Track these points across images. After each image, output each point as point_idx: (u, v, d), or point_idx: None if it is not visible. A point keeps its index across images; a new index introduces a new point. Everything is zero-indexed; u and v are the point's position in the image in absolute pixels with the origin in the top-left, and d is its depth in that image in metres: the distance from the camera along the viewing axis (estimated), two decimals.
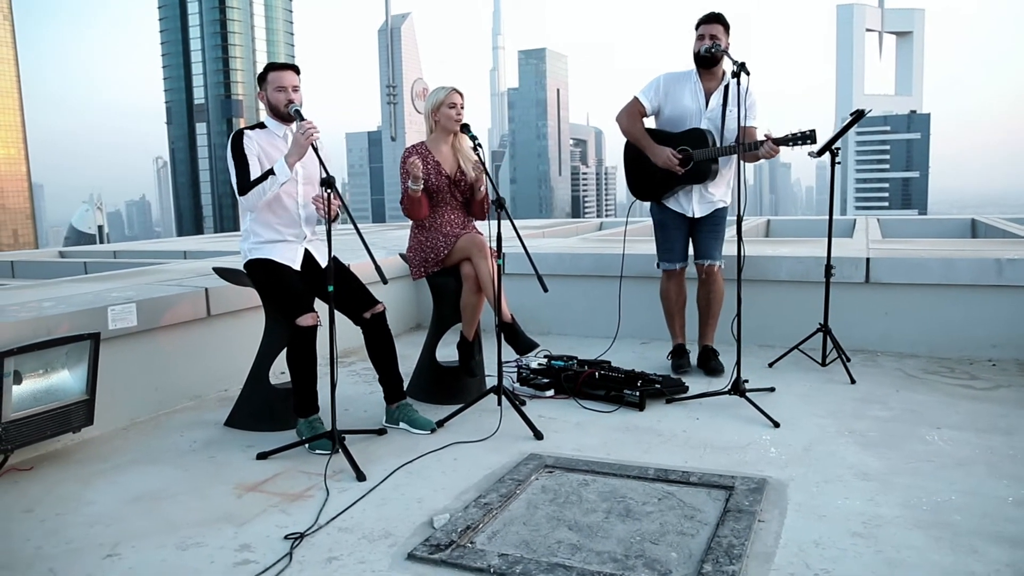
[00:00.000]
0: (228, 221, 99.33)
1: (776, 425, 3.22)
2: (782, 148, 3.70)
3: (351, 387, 4.06)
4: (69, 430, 3.11)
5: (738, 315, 3.46)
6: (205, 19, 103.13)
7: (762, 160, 3.77)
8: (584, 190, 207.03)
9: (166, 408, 3.71)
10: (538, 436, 3.15)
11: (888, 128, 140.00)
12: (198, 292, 3.84)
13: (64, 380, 3.08)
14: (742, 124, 3.41)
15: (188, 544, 2.31)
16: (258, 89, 3.19)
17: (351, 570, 2.11)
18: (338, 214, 3.15)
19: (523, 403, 3.61)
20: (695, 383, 3.87)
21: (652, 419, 3.39)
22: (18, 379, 2.89)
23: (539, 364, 4.01)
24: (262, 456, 3.02)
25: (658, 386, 3.62)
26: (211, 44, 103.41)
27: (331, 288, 2.91)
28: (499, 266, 3.31)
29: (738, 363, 3.44)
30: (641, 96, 3.97)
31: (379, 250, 5.65)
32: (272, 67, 3.13)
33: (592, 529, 2.30)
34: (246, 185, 3.05)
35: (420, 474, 2.82)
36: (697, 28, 3.84)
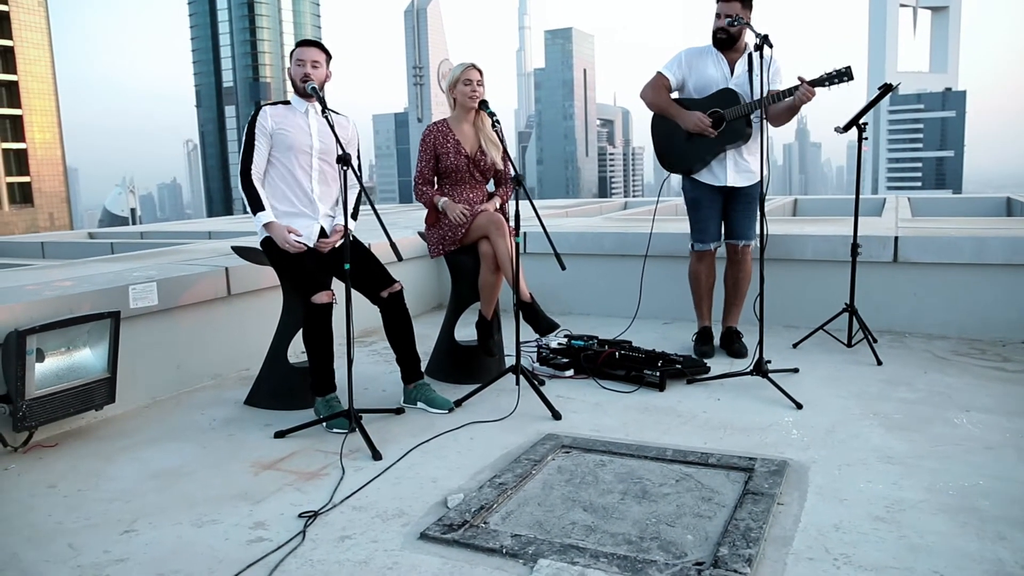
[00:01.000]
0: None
1: (799, 407, 3.16)
2: (818, 92, 3.54)
3: (370, 366, 4.06)
4: (92, 407, 3.14)
5: (761, 294, 3.39)
6: (233, 2, 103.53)
7: (799, 111, 3.63)
8: (611, 171, 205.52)
9: (187, 387, 3.74)
10: (556, 416, 3.13)
11: (922, 106, 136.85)
12: (218, 271, 3.85)
13: (86, 358, 3.11)
14: (765, 95, 3.30)
15: (204, 521, 2.32)
16: (288, 64, 3.21)
17: (363, 549, 2.11)
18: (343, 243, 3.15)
19: (542, 383, 3.59)
20: (717, 364, 3.81)
21: (672, 400, 3.35)
22: (40, 357, 2.93)
23: (559, 344, 3.97)
24: (279, 435, 3.03)
25: (679, 366, 3.57)
26: (239, 28, 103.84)
27: (347, 266, 2.89)
28: (517, 244, 3.27)
29: (760, 343, 3.38)
30: (665, 70, 3.89)
31: (402, 229, 5.67)
32: (299, 43, 3.16)
33: (607, 510, 2.27)
34: (247, 173, 3.14)
35: (436, 453, 2.81)
36: (718, 1, 3.74)
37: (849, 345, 4.08)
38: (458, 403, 3.32)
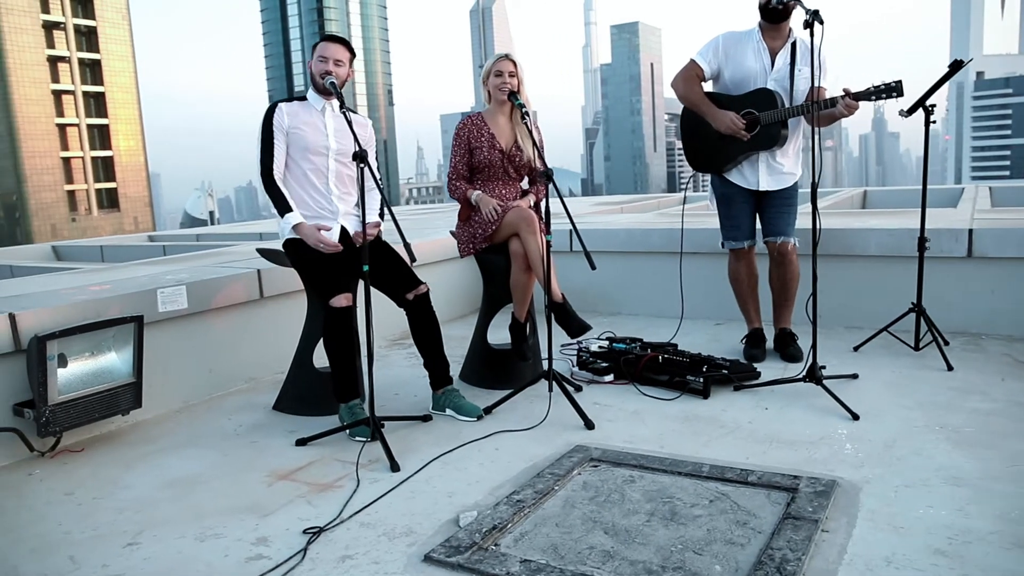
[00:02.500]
0: None
1: (855, 417, 2.88)
2: (861, 104, 3.29)
3: (405, 370, 3.95)
4: (118, 412, 3.12)
5: (813, 294, 3.11)
6: (303, 7, 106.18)
7: (839, 120, 3.37)
8: (680, 166, 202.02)
9: (221, 390, 3.70)
10: (589, 426, 2.94)
11: (1010, 91, 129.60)
12: (250, 274, 3.81)
13: (111, 363, 3.09)
14: (816, 77, 3.02)
15: (208, 535, 2.23)
16: (308, 58, 3.12)
17: (363, 571, 1.98)
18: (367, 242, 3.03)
19: (579, 389, 3.41)
20: (769, 369, 3.55)
21: (716, 408, 3.11)
22: (63, 362, 2.91)
23: (599, 347, 3.78)
24: (301, 442, 2.94)
25: (725, 371, 3.33)
26: (309, 33, 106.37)
27: (366, 267, 2.77)
28: (548, 242, 3.09)
29: (814, 347, 3.11)
30: (698, 58, 3.63)
31: (440, 230, 5.55)
32: (324, 38, 3.07)
33: (630, 534, 2.08)
34: (268, 173, 3.05)
35: (457, 465, 2.67)
36: None
37: (916, 348, 3.75)
38: (488, 410, 3.17)
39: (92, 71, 67.61)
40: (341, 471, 2.67)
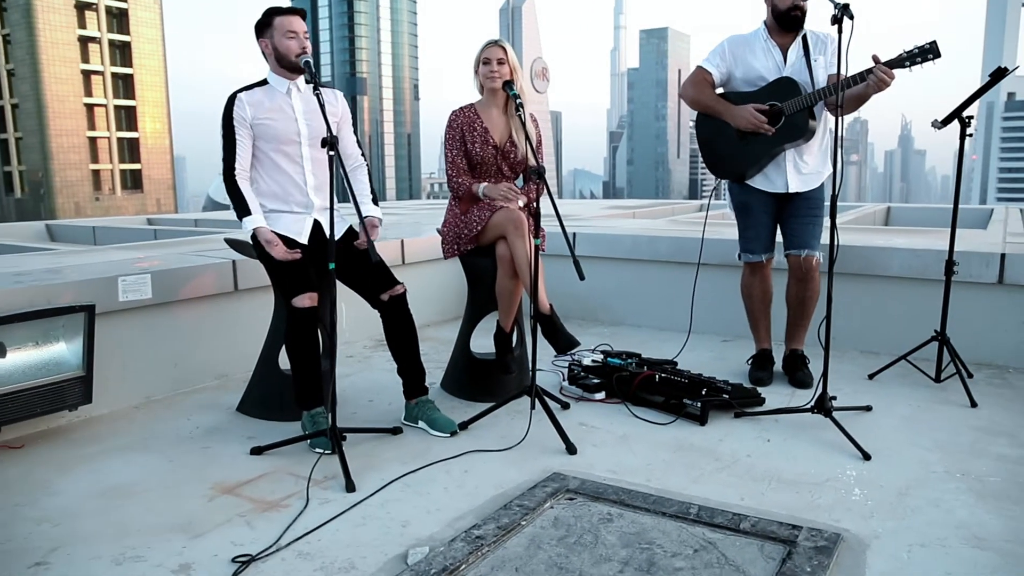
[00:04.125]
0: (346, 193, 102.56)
1: (866, 457, 2.59)
2: (897, 74, 2.94)
3: (384, 375, 3.69)
4: (64, 408, 2.90)
5: (828, 318, 2.82)
6: (333, 1, 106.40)
7: (867, 101, 3.04)
8: (703, 173, 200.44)
9: (187, 387, 3.47)
10: (571, 450, 2.67)
11: None
12: (224, 265, 3.57)
13: (59, 354, 2.86)
14: (842, 71, 2.72)
15: (126, 557, 1.99)
16: (258, 38, 2.81)
17: None
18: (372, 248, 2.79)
19: (566, 407, 3.15)
20: (775, 395, 3.26)
21: (713, 437, 2.83)
22: (2, 351, 2.68)
23: (593, 361, 3.50)
24: (256, 451, 2.69)
25: (726, 396, 3.04)
26: (338, 24, 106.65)
27: (332, 265, 2.52)
28: (537, 247, 2.82)
29: (824, 376, 2.81)
30: (706, 64, 3.35)
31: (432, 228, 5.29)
32: (277, 11, 2.75)
33: None
34: (230, 172, 2.78)
35: (418, 488, 2.41)
36: None
37: (937, 380, 3.44)
38: (464, 425, 2.91)
39: (122, 53, 68.15)
40: (292, 487, 2.42)
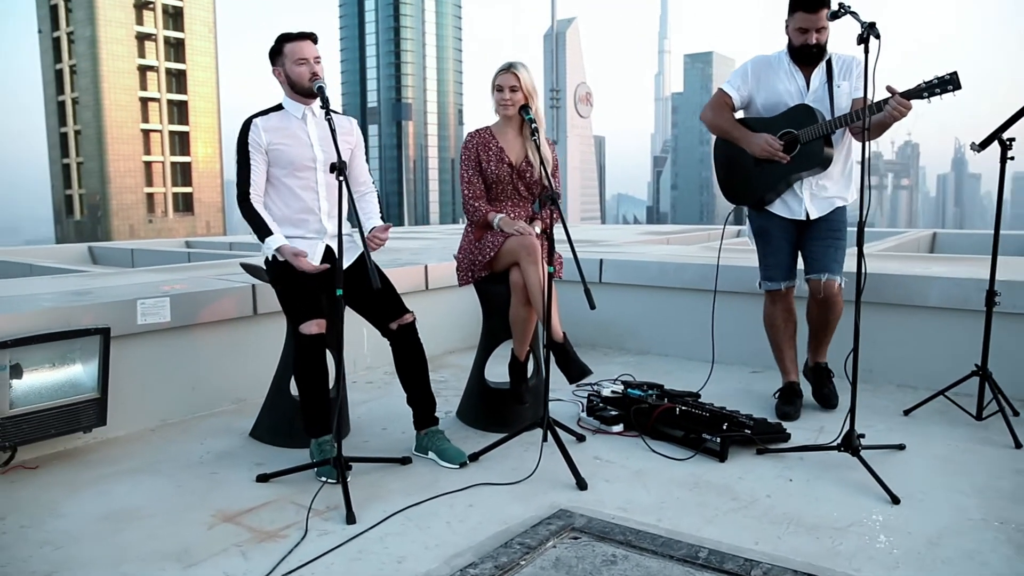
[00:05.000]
0: (397, 217, 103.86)
1: (895, 501, 2.44)
2: (915, 105, 2.87)
3: (400, 402, 3.53)
4: (79, 429, 2.92)
5: (855, 351, 2.69)
6: (380, 27, 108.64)
7: (890, 127, 2.97)
8: None
9: (203, 410, 3.47)
10: (581, 485, 2.58)
11: None
12: (244, 289, 3.58)
13: (75, 376, 2.89)
14: (865, 89, 2.63)
15: None
16: (272, 66, 2.81)
17: None
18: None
19: (581, 439, 3.07)
20: (802, 429, 3.12)
21: (732, 474, 2.71)
22: (17, 373, 2.71)
23: (612, 392, 3.40)
24: (262, 479, 2.66)
25: (748, 431, 2.92)
26: (385, 51, 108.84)
27: (339, 291, 2.49)
28: (550, 274, 2.75)
29: (852, 411, 2.67)
30: (727, 87, 3.32)
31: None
32: (288, 38, 2.75)
33: None
34: (244, 197, 2.77)
35: (420, 522, 2.34)
36: (791, 13, 3.12)
37: (978, 418, 3.26)
38: (474, 457, 2.84)
39: (177, 80, 70.60)
40: (293, 517, 2.38)
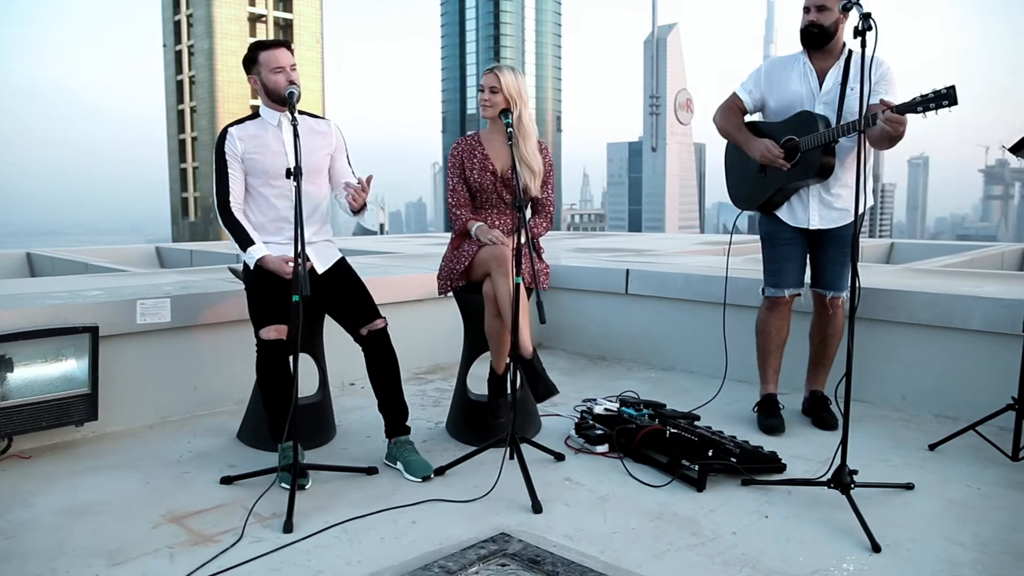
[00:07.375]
0: None
1: (876, 549, 2.19)
2: (910, 118, 2.63)
3: None
4: (70, 423, 3.02)
5: (847, 375, 2.45)
6: (481, 35, 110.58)
7: (897, 139, 2.73)
8: None
9: (204, 409, 3.55)
10: (536, 508, 2.45)
11: None
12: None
13: (68, 371, 2.99)
14: (868, 93, 2.40)
15: None
16: (247, 75, 2.83)
17: None
18: (364, 205, 2.77)
19: (561, 458, 2.94)
20: (806, 460, 2.87)
21: (705, 506, 2.51)
22: (8, 366, 2.83)
23: (607, 410, 3.25)
24: (225, 480, 2.68)
25: (733, 460, 2.71)
26: (485, 59, 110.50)
27: (296, 297, 2.47)
28: (518, 285, 2.64)
29: (843, 443, 2.43)
30: (740, 90, 3.21)
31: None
32: (263, 46, 2.77)
33: None
34: (224, 207, 2.78)
35: (356, 536, 2.28)
36: None
37: (1015, 458, 2.91)
38: (440, 471, 2.76)
39: None
40: (237, 521, 2.37)
